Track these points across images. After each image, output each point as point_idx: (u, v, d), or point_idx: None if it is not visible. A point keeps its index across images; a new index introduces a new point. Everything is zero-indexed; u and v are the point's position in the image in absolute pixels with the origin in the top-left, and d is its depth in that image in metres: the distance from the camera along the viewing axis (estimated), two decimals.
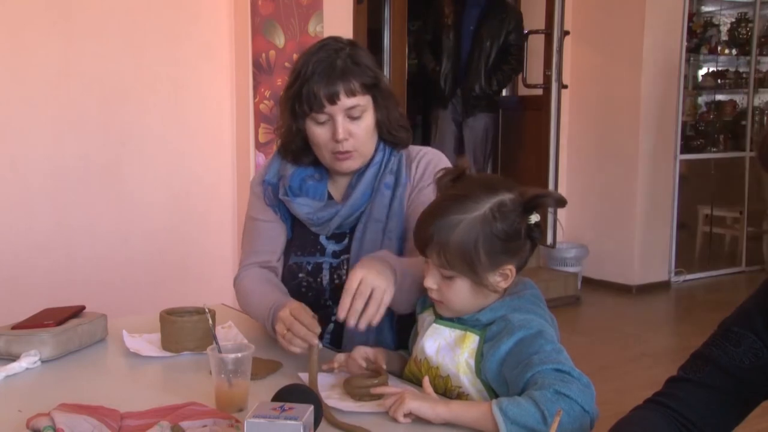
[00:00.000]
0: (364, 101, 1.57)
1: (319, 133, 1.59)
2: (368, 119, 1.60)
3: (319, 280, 1.66)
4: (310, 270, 1.66)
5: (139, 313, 1.91)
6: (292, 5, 3.66)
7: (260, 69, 3.62)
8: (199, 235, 3.79)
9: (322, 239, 1.68)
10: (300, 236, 1.70)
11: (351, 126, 1.57)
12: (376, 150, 1.66)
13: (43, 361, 1.51)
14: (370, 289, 1.35)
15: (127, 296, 3.47)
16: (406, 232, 1.63)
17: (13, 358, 1.50)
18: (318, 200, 1.67)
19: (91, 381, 1.46)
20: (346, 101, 1.54)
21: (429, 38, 5.23)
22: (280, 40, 3.65)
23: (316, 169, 1.69)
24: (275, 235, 1.72)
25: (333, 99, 1.54)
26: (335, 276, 1.65)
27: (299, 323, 1.42)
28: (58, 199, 3.47)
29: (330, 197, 1.70)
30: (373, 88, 1.59)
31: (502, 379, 1.24)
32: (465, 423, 1.18)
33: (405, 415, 1.21)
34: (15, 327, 1.58)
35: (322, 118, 1.57)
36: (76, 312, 1.66)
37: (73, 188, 3.49)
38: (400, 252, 1.63)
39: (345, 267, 1.65)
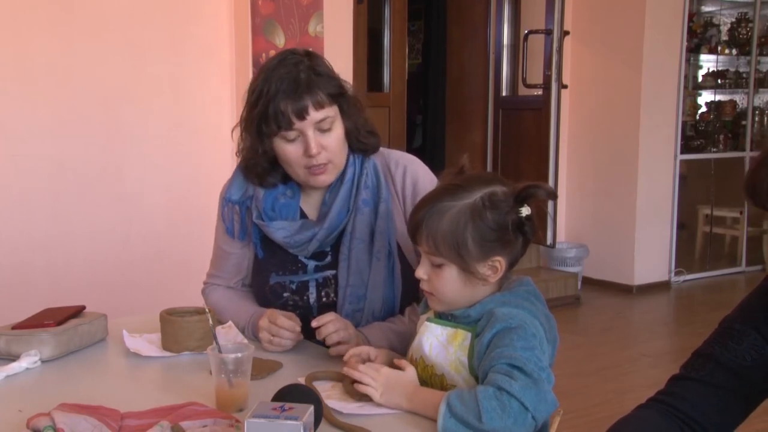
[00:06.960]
0: (332, 112, 1.55)
1: (290, 150, 1.55)
2: (338, 129, 1.57)
3: (305, 298, 1.64)
4: (294, 289, 1.64)
5: (139, 313, 1.90)
6: (292, 5, 3.66)
7: None
8: (199, 235, 3.78)
9: (302, 258, 1.65)
10: (277, 255, 1.66)
11: (322, 139, 1.54)
12: (347, 163, 1.62)
13: (43, 361, 1.51)
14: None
15: (127, 296, 3.47)
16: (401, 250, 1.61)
17: (13, 358, 1.50)
18: (292, 220, 1.63)
19: (92, 381, 1.45)
20: (315, 115, 1.51)
21: None
22: (280, 40, 3.65)
23: (287, 186, 1.66)
24: (240, 261, 1.75)
25: (302, 114, 1.51)
26: (322, 294, 1.63)
27: (281, 328, 1.53)
28: (58, 199, 3.47)
29: (303, 214, 1.66)
30: (339, 97, 1.57)
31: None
32: (426, 415, 1.22)
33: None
34: (15, 327, 1.58)
35: (292, 135, 1.53)
36: (77, 312, 1.66)
37: (74, 188, 3.49)
38: (392, 270, 1.60)
39: (332, 285, 1.62)
